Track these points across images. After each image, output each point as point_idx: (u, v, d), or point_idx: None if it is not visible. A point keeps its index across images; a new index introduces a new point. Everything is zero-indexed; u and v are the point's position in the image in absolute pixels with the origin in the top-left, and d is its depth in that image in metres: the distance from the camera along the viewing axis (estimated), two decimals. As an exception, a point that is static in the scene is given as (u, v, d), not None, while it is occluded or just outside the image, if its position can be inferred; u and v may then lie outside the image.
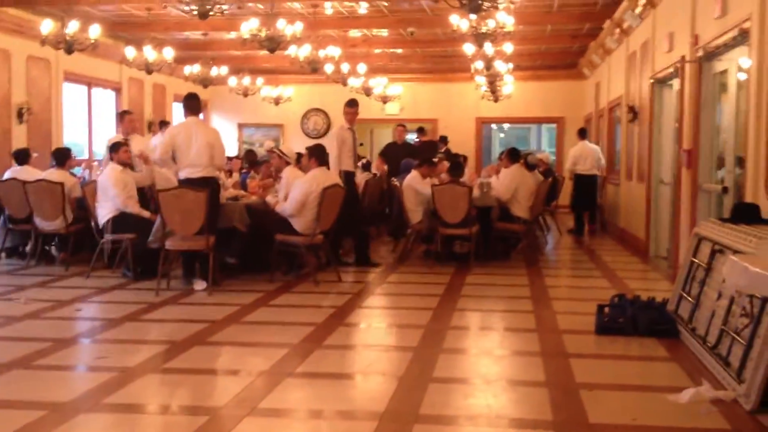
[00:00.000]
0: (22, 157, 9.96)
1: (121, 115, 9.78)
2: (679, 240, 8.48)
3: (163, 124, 14.51)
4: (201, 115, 8.00)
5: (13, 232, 9.62)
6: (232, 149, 17.27)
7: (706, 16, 7.54)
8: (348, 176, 9.28)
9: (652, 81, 10.20)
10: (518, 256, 10.38)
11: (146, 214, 8.48)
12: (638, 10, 10.94)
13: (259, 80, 17.53)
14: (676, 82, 9.06)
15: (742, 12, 6.39)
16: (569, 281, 9.33)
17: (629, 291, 7.42)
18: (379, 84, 17.81)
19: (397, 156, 12.50)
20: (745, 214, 5.54)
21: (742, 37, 6.50)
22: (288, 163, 9.25)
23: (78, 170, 11.91)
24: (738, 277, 3.52)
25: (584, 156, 13.73)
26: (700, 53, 7.78)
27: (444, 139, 15.70)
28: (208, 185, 7.64)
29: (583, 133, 14.45)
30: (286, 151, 9.82)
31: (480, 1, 7.41)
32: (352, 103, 9.73)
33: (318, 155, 8.55)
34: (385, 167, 12.68)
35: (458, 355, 5.59)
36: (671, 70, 9.06)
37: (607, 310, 6.18)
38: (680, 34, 8.68)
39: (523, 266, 9.65)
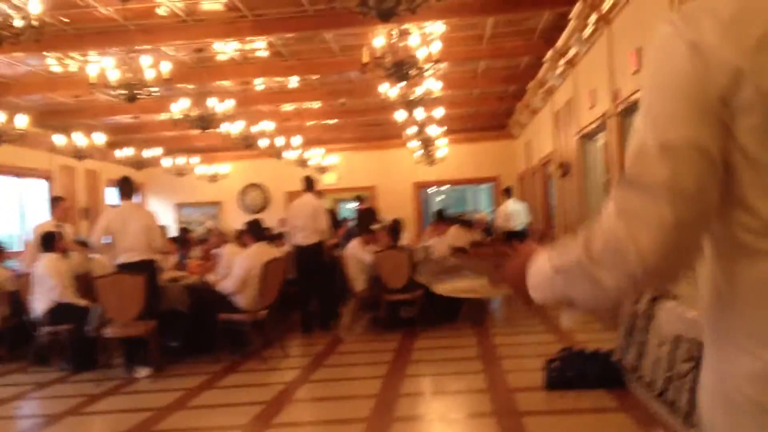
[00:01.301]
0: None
1: (54, 202, 9.59)
2: (619, 289, 8.61)
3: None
4: (139, 198, 7.93)
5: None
6: (171, 230, 17.06)
7: (624, 72, 7.84)
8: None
9: (578, 137, 10.50)
10: (465, 316, 10.39)
11: (83, 302, 8.26)
12: (559, 70, 11.33)
13: (194, 159, 17.50)
14: (601, 137, 9.35)
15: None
16: (517, 338, 9.35)
17: (575, 343, 7.47)
18: (315, 155, 17.95)
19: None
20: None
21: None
22: (227, 241, 9.20)
23: (13, 263, 11.60)
24: (675, 323, 3.59)
25: (515, 214, 14.43)
26: (621, 108, 8.06)
27: (359, 198, 15.27)
28: (147, 269, 7.51)
29: (508, 192, 15.22)
30: (225, 230, 9.81)
31: (406, 70, 7.58)
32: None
33: (254, 231, 8.52)
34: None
35: (412, 423, 5.54)
36: (596, 125, 9.35)
37: (554, 364, 6.21)
38: (601, 91, 8.99)
39: (470, 326, 9.67)
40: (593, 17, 8.67)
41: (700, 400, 1.36)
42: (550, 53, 11.02)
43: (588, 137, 10.29)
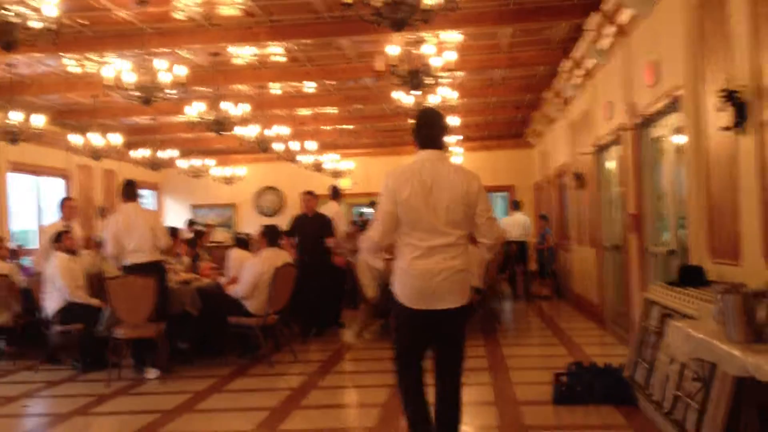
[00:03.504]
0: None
1: (62, 202, 9.64)
2: (631, 304, 8.57)
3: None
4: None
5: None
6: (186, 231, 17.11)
7: (640, 85, 7.80)
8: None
9: (594, 148, 10.45)
10: (475, 326, 10.35)
11: (95, 302, 8.29)
12: (576, 81, 11.29)
13: (210, 161, 17.55)
14: (617, 149, 9.30)
15: (673, 80, 6.62)
16: (526, 350, 9.31)
17: (586, 357, 7.44)
18: (330, 160, 17.96)
19: (310, 230, 10.27)
20: (690, 276, 5.63)
21: (675, 104, 6.73)
22: (226, 247, 9.27)
23: (27, 260, 11.69)
24: (682, 343, 3.55)
25: (514, 225, 14.73)
26: (638, 120, 8.01)
27: (374, 204, 15.37)
28: (156, 270, 7.54)
29: (516, 205, 15.68)
30: (221, 237, 9.92)
31: (421, 79, 7.57)
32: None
33: (269, 235, 8.53)
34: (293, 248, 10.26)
35: (417, 434, 5.49)
36: (612, 137, 9.30)
37: (564, 378, 6.17)
38: (618, 103, 8.95)
39: (480, 336, 9.63)
40: (610, 29, 8.63)
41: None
42: (566, 63, 10.98)
43: (604, 149, 10.23)
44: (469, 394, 6.74)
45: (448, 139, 13.85)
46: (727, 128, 5.08)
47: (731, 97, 4.94)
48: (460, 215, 4.23)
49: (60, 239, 8.43)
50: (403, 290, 4.24)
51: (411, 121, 11.74)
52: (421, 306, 4.22)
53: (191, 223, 12.59)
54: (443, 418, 4.36)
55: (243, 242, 9.73)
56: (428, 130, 4.43)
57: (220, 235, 9.98)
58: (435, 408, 4.37)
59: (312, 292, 9.58)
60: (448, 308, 4.23)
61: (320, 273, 9.88)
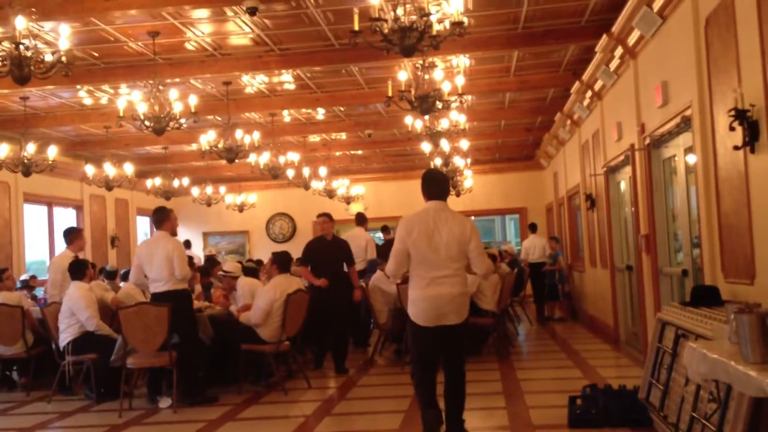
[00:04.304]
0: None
1: (70, 233, 9.57)
2: (645, 325, 8.51)
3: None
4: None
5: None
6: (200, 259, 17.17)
7: (650, 105, 7.80)
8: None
9: (605, 169, 10.44)
10: (489, 350, 10.31)
11: (115, 334, 8.24)
12: (586, 102, 11.31)
13: (222, 189, 17.64)
14: (628, 170, 9.28)
15: (682, 100, 6.62)
16: (541, 373, 9.23)
17: (601, 380, 7.37)
18: (342, 185, 18.00)
19: (329, 256, 9.48)
20: (705, 296, 5.58)
21: (685, 124, 6.72)
22: (236, 278, 9.25)
23: (39, 291, 11.74)
24: (698, 364, 3.52)
25: (533, 247, 15.14)
26: (648, 141, 8.00)
27: (386, 229, 15.39)
28: (174, 299, 7.52)
29: (533, 228, 15.83)
30: (231, 268, 9.83)
31: (431, 103, 7.60)
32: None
33: (280, 262, 8.55)
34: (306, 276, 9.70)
35: (431, 460, 5.45)
36: (622, 158, 9.29)
37: (579, 401, 6.12)
38: (627, 124, 8.95)
39: (494, 360, 9.57)
40: (619, 50, 8.65)
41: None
42: (576, 85, 11.00)
43: (615, 170, 10.22)
44: (484, 419, 6.73)
45: (459, 161, 13.90)
46: (737, 147, 5.06)
47: (742, 116, 4.93)
48: (456, 252, 5.42)
49: (79, 268, 8.46)
50: (417, 313, 5.48)
51: (421, 145, 11.85)
52: (431, 324, 5.43)
53: (211, 262, 12.60)
54: (453, 395, 5.50)
55: (252, 271, 9.75)
56: (434, 186, 5.66)
57: (231, 266, 9.95)
58: (445, 393, 5.52)
59: (326, 321, 9.21)
60: (453, 324, 5.45)
61: (337, 301, 9.22)
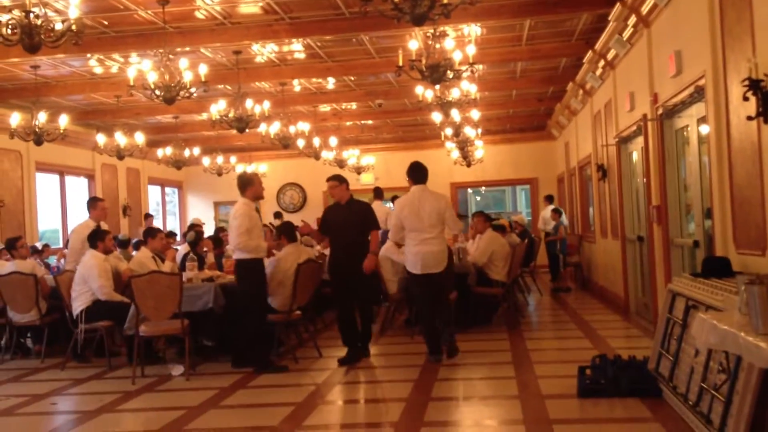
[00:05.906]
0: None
1: (92, 202, 9.65)
2: (656, 296, 8.51)
3: (147, 216, 14.94)
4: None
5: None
6: (209, 228, 17.26)
7: (663, 75, 7.73)
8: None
9: (617, 139, 10.37)
10: (499, 320, 10.34)
11: (127, 300, 8.28)
12: (598, 72, 11.21)
13: (233, 158, 17.64)
14: (640, 140, 9.22)
15: (696, 70, 6.56)
16: (551, 343, 9.28)
17: (611, 350, 7.39)
18: (352, 155, 17.97)
19: (348, 222, 8.19)
20: (716, 268, 5.57)
21: (699, 94, 6.66)
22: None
23: (52, 259, 11.83)
24: (707, 335, 3.52)
25: (547, 218, 15.33)
26: (660, 111, 7.94)
27: (397, 199, 15.15)
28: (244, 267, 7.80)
29: (550, 199, 16.08)
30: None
31: (441, 72, 7.55)
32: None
33: (287, 233, 8.58)
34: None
35: (441, 428, 5.50)
36: (634, 128, 9.23)
37: (588, 371, 6.14)
38: (640, 94, 8.87)
39: (504, 330, 9.61)
40: (632, 19, 8.56)
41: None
42: (589, 55, 10.90)
43: (627, 140, 10.15)
44: (493, 388, 6.78)
45: (470, 131, 13.85)
46: (751, 118, 5.02)
47: (755, 86, 4.87)
48: (436, 220, 7.69)
49: (98, 238, 8.50)
50: (413, 264, 7.75)
51: (431, 115, 11.82)
52: (421, 271, 7.68)
53: (221, 230, 12.57)
54: (441, 316, 7.85)
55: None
56: (417, 174, 7.91)
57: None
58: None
59: (350, 304, 8.26)
60: (437, 272, 7.72)
61: (357, 274, 8.03)
